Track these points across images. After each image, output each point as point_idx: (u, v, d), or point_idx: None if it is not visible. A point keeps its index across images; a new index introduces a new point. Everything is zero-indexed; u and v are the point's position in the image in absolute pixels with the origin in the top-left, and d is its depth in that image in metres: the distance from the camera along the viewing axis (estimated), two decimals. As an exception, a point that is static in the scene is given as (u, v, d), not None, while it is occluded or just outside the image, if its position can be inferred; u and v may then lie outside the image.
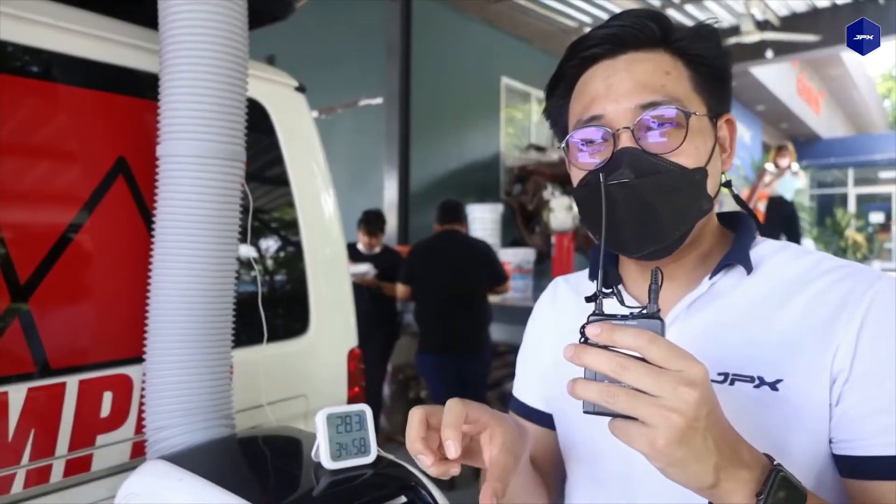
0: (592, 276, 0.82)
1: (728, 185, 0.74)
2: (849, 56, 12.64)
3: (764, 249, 0.72)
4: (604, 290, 0.55)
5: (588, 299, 0.55)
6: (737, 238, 0.72)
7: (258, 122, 1.62)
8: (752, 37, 6.68)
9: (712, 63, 0.69)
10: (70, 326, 1.24)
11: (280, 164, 1.74)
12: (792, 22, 7.53)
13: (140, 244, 1.31)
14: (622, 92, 0.66)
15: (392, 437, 4.58)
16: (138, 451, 1.30)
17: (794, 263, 0.69)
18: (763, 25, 7.30)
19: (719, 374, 0.66)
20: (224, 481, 0.94)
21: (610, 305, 0.55)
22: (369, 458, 1.00)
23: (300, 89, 1.82)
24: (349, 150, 6.35)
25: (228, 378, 1.28)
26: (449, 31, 6.69)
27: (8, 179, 1.18)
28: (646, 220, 0.65)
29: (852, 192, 14.95)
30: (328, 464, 0.96)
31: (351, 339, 1.90)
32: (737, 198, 0.80)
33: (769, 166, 7.16)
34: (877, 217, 14.66)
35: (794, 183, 6.98)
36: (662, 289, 0.66)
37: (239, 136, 1.29)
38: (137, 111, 1.37)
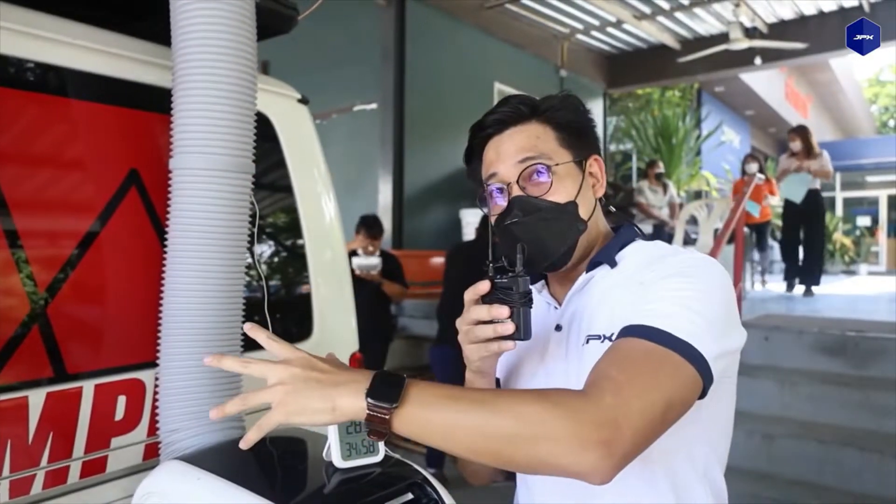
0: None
1: (601, 201, 0.99)
2: (836, 61, 12.83)
3: (630, 249, 0.96)
4: (493, 263, 0.86)
5: (484, 269, 0.87)
6: (610, 243, 0.97)
7: (263, 133, 1.67)
8: (740, 44, 6.79)
9: (571, 124, 0.96)
10: (86, 333, 1.29)
11: (283, 172, 1.79)
12: (780, 29, 7.65)
13: (152, 253, 1.36)
14: (507, 155, 0.93)
15: (388, 439, 4.62)
16: (151, 453, 1.34)
17: (643, 254, 0.94)
18: (751, 33, 7.41)
19: (585, 337, 0.91)
20: (241, 480, 0.98)
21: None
22: (377, 458, 1.05)
23: (303, 101, 1.87)
24: (344, 155, 6.40)
25: (239, 381, 1.32)
26: (443, 37, 6.75)
27: (27, 190, 1.23)
28: (537, 245, 0.90)
29: (840, 196, 15.13)
30: (339, 463, 1.01)
31: (352, 343, 1.95)
32: (613, 211, 1.05)
33: (751, 166, 6.47)
34: (864, 220, 14.84)
35: (799, 181, 5.95)
36: (562, 284, 1.01)
37: (248, 149, 1.34)
38: (149, 125, 1.42)
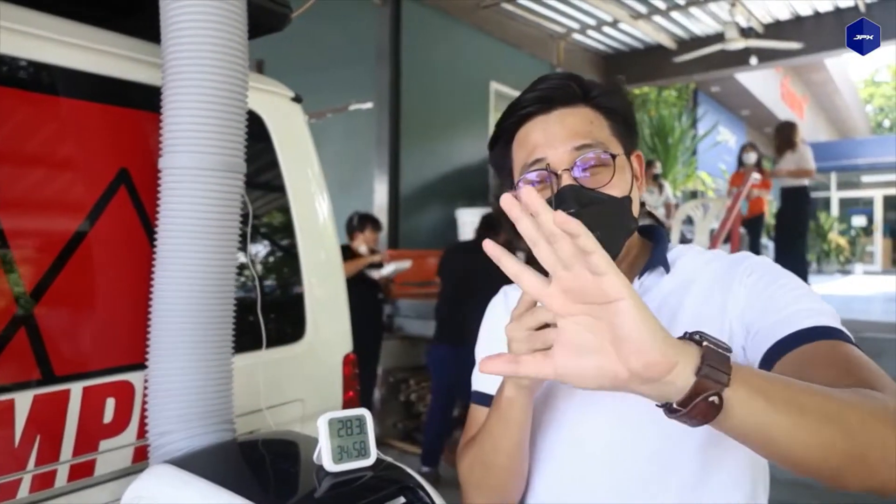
0: None
1: (642, 205, 0.91)
2: (832, 62, 12.86)
3: (676, 252, 0.90)
4: None
5: None
6: (655, 246, 0.91)
7: (255, 132, 1.66)
8: (736, 44, 6.79)
9: (622, 112, 0.87)
10: (74, 335, 1.27)
11: (276, 172, 1.77)
12: (775, 29, 7.65)
13: (142, 253, 1.34)
14: (559, 139, 0.82)
15: (383, 440, 4.61)
16: (140, 456, 1.32)
17: (695, 259, 0.88)
18: (747, 33, 7.41)
19: None
20: (230, 484, 0.97)
21: None
22: (369, 461, 1.03)
23: (296, 100, 1.86)
24: (339, 154, 6.38)
25: (230, 383, 1.31)
26: (438, 36, 6.73)
27: (14, 190, 1.21)
28: None
29: (835, 196, 15.17)
30: (330, 466, 1.00)
31: (346, 344, 1.93)
32: (649, 213, 0.97)
33: (750, 156, 6.20)
34: (859, 221, 14.88)
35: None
36: None
37: (239, 148, 1.32)
38: (140, 124, 1.41)
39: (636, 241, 0.91)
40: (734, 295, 0.79)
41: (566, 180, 0.80)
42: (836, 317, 0.74)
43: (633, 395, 0.67)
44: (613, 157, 0.81)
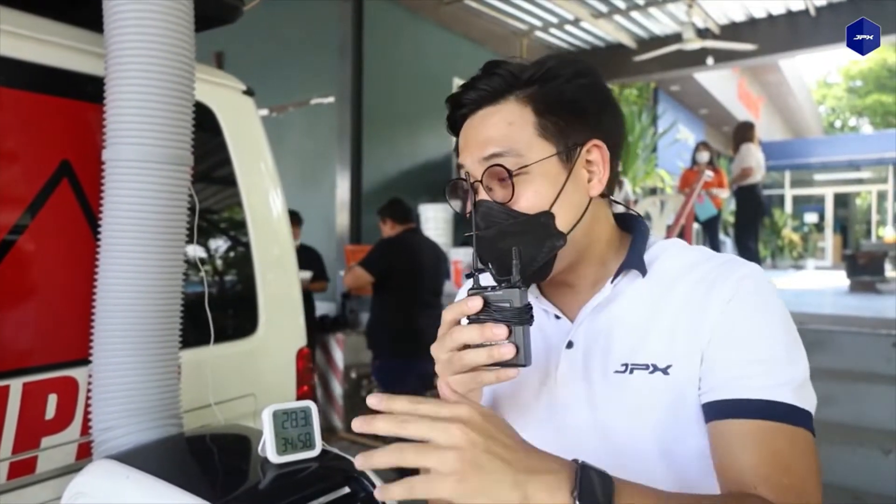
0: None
1: (605, 196, 0.81)
2: (786, 63, 13.25)
3: (655, 251, 0.81)
4: (477, 272, 0.70)
5: (467, 276, 0.70)
6: (633, 243, 0.81)
7: (206, 125, 1.64)
8: (693, 44, 6.94)
9: (559, 102, 0.75)
10: (14, 329, 1.24)
11: (228, 166, 1.76)
12: (731, 31, 7.85)
13: (85, 247, 1.32)
14: (473, 146, 0.76)
15: (346, 435, 4.61)
16: (84, 453, 1.30)
17: (676, 259, 0.79)
18: (704, 34, 7.58)
19: (622, 364, 0.76)
20: (172, 478, 0.96)
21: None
22: (314, 452, 1.04)
23: (248, 93, 1.84)
24: (301, 149, 6.32)
25: (176, 378, 1.30)
26: (401, 32, 6.72)
27: (-52, 182, 1.17)
28: (501, 261, 0.73)
29: (789, 193, 15.64)
30: (274, 458, 1.00)
31: (300, 339, 1.93)
32: (621, 205, 0.88)
33: (703, 155, 6.46)
34: (811, 217, 15.39)
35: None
36: (569, 295, 0.82)
37: (186, 140, 1.31)
38: (83, 115, 1.38)
39: (609, 237, 0.81)
40: (709, 317, 0.72)
41: (480, 194, 0.75)
42: (805, 382, 0.70)
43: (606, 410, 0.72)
44: (510, 172, 0.72)
